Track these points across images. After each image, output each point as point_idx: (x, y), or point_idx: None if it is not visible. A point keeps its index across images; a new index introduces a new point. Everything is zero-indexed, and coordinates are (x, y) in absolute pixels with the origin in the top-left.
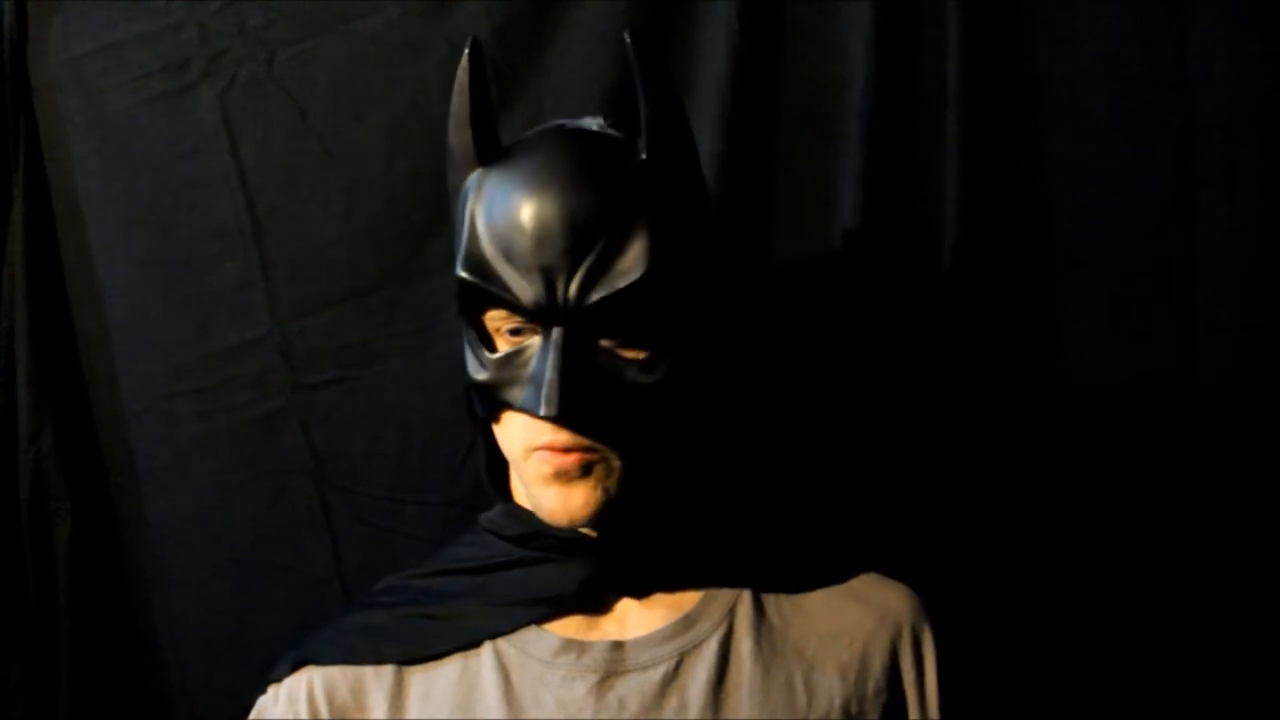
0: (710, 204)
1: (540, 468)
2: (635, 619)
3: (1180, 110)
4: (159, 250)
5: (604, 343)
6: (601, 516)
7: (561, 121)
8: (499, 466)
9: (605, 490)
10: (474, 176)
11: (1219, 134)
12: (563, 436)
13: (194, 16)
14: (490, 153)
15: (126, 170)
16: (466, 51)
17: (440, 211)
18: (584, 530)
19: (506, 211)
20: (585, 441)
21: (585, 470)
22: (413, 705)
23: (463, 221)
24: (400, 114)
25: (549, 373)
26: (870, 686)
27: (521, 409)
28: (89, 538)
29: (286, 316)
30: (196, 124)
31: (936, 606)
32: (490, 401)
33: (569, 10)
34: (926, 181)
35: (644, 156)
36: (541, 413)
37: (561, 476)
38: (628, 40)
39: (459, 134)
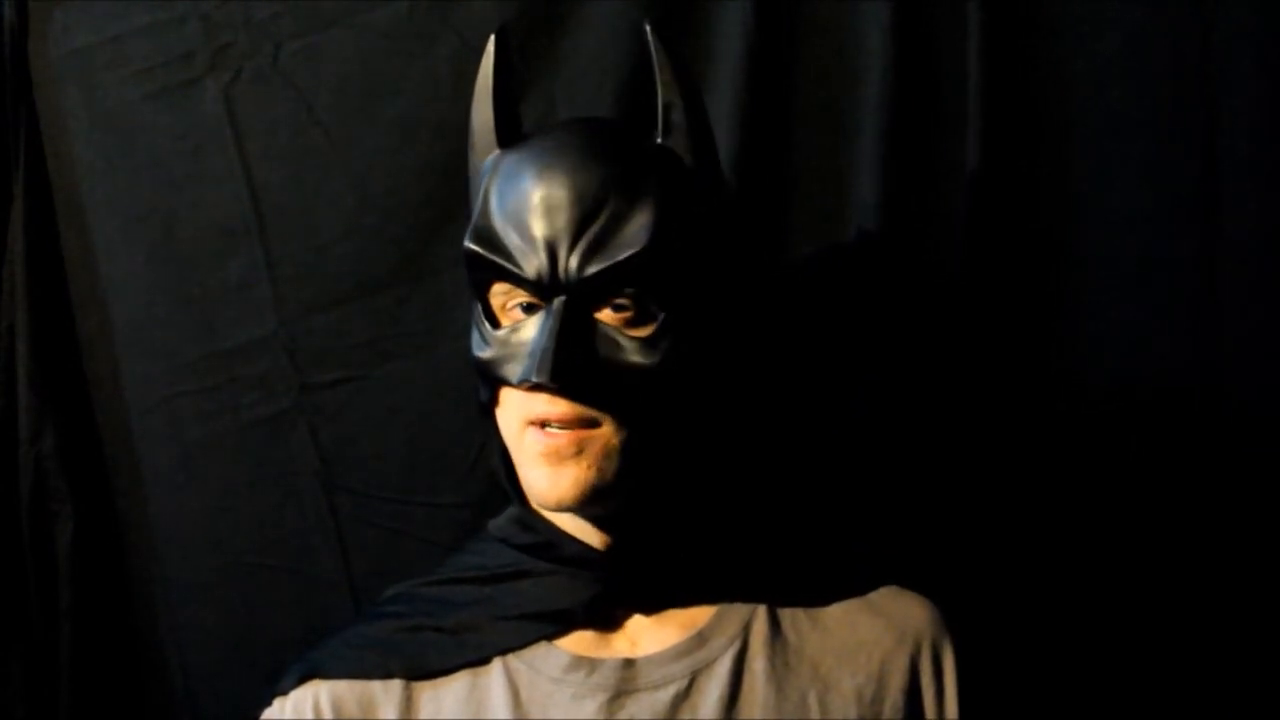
0: (727, 195)
1: (533, 446)
2: (647, 636)
3: (1203, 105)
4: (162, 248)
5: (605, 319)
6: (591, 501)
7: (580, 116)
8: (513, 467)
9: (599, 472)
10: (492, 158)
11: (1243, 129)
12: (558, 407)
13: (198, 9)
14: (510, 137)
15: (129, 166)
16: (493, 37)
17: (450, 208)
18: (594, 544)
19: (517, 186)
20: (580, 411)
21: (579, 450)
22: None
23: (477, 199)
24: (409, 109)
25: (545, 340)
26: (887, 705)
27: (519, 381)
28: (91, 540)
29: (293, 315)
30: (200, 119)
31: (956, 617)
32: (490, 379)
33: (581, 4)
34: (945, 177)
35: (659, 140)
36: (534, 379)
37: (552, 457)
38: (648, 29)
39: (481, 117)
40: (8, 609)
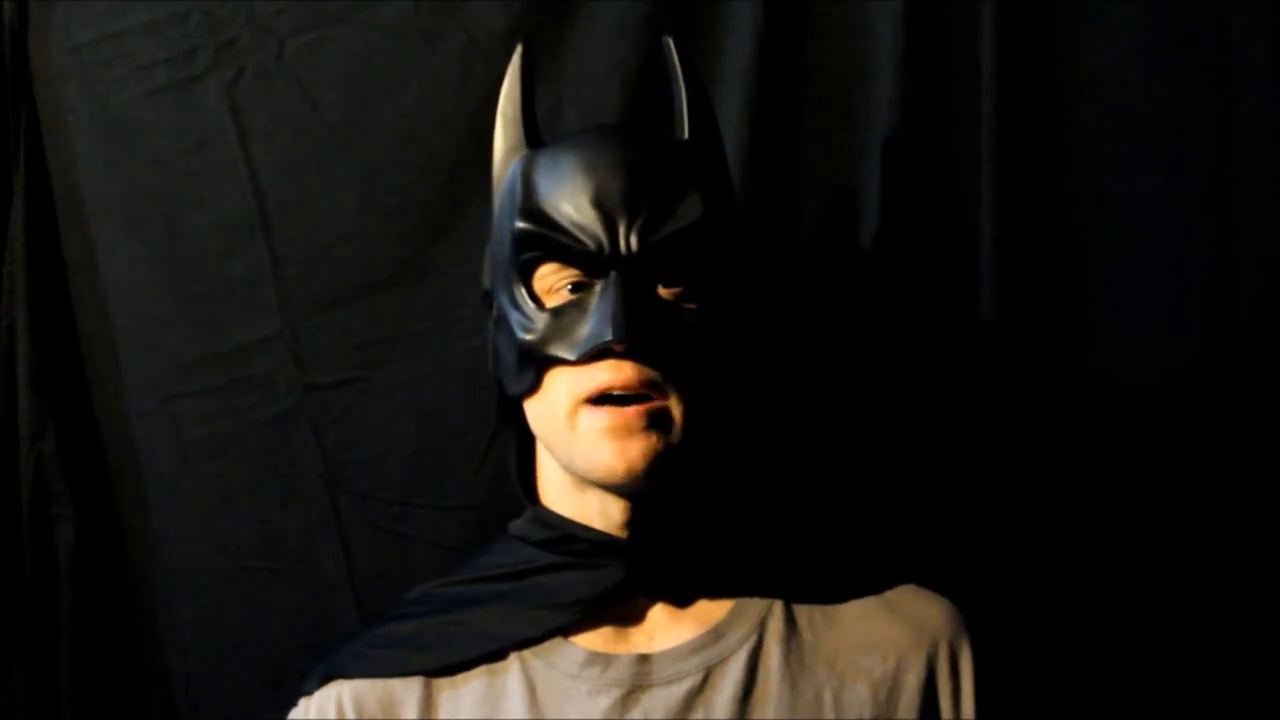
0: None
1: (595, 422)
2: (664, 631)
3: (1219, 100)
4: (164, 247)
5: (661, 291)
6: (658, 472)
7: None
8: (527, 469)
9: (667, 443)
10: (522, 156)
11: (1258, 125)
12: (625, 373)
13: (201, 4)
14: (536, 140)
15: (131, 164)
16: (519, 49)
17: (455, 206)
18: (616, 533)
19: (564, 170)
20: (648, 375)
21: (647, 423)
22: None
23: (512, 190)
24: (414, 106)
25: (612, 304)
26: (902, 703)
27: (581, 351)
28: (92, 543)
29: (296, 314)
30: (203, 116)
31: (973, 617)
32: (537, 362)
33: (588, 1)
34: (958, 174)
35: (686, 137)
36: (609, 337)
37: (620, 431)
38: (668, 42)
39: (508, 122)
40: (8, 612)
